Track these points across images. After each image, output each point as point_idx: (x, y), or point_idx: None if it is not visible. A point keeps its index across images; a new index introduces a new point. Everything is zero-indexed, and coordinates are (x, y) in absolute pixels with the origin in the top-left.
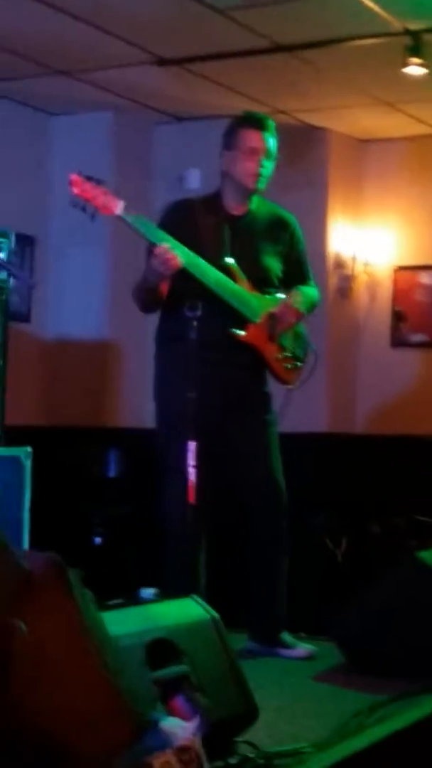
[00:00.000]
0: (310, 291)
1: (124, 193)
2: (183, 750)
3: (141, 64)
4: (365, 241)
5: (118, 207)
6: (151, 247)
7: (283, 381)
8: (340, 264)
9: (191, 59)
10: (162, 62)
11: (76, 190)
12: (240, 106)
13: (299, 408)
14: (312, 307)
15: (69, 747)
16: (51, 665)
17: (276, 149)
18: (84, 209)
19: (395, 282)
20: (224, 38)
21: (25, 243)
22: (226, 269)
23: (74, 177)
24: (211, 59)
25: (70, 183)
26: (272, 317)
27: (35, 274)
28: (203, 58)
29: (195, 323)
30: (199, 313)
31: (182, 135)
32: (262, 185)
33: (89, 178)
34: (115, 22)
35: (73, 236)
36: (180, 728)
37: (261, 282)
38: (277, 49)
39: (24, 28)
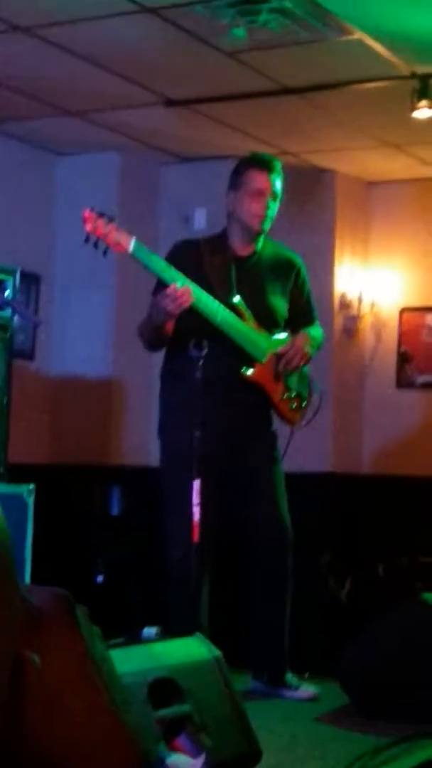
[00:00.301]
0: (317, 332)
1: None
2: None
3: (149, 105)
4: (371, 281)
5: (130, 244)
6: (158, 285)
7: (287, 421)
8: (346, 304)
9: (199, 100)
10: (169, 103)
11: (89, 227)
12: (247, 147)
13: (305, 448)
14: (318, 348)
15: None
16: (60, 698)
17: (282, 190)
18: (96, 246)
19: (401, 323)
20: (232, 80)
21: (31, 281)
22: (233, 308)
23: (87, 213)
24: (218, 100)
25: (84, 219)
26: (279, 357)
27: (40, 313)
28: (210, 100)
29: (200, 362)
30: (204, 352)
31: (188, 175)
32: (267, 226)
33: (101, 215)
34: (123, 63)
35: (78, 275)
36: (186, 765)
37: (267, 322)
38: (285, 91)
39: (32, 69)
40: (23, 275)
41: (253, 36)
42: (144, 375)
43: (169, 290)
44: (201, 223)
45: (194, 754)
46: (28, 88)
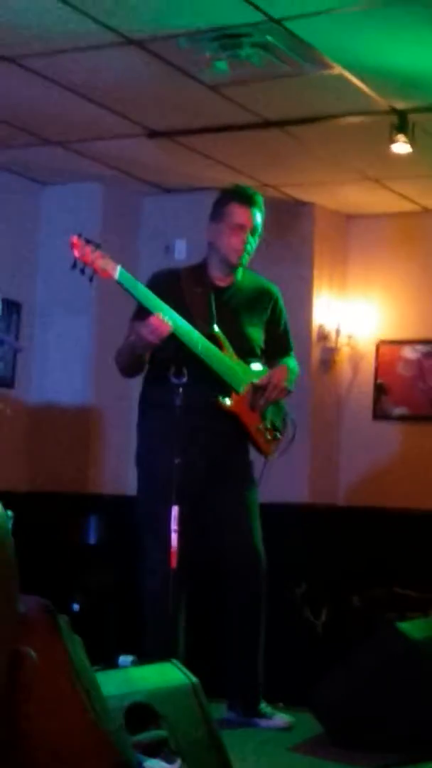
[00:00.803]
0: (293, 365)
1: None
2: None
3: (131, 136)
4: (349, 314)
5: (116, 271)
6: (137, 312)
7: (262, 452)
8: (323, 336)
9: (181, 132)
10: (152, 134)
11: (77, 253)
12: (227, 178)
13: (282, 478)
14: (295, 381)
15: None
16: (42, 703)
17: (262, 225)
18: (83, 272)
19: (378, 355)
20: (214, 112)
21: (12, 309)
22: (213, 338)
23: (75, 240)
24: (200, 133)
25: (72, 245)
26: (256, 389)
27: (20, 340)
28: (192, 132)
29: (180, 389)
30: (185, 379)
31: (170, 206)
32: (245, 261)
33: (89, 242)
34: (106, 94)
35: (59, 303)
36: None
37: (245, 352)
38: (266, 124)
39: (16, 98)
40: (4, 302)
41: (235, 69)
42: (123, 403)
43: (152, 319)
44: (182, 253)
45: None
46: (12, 118)
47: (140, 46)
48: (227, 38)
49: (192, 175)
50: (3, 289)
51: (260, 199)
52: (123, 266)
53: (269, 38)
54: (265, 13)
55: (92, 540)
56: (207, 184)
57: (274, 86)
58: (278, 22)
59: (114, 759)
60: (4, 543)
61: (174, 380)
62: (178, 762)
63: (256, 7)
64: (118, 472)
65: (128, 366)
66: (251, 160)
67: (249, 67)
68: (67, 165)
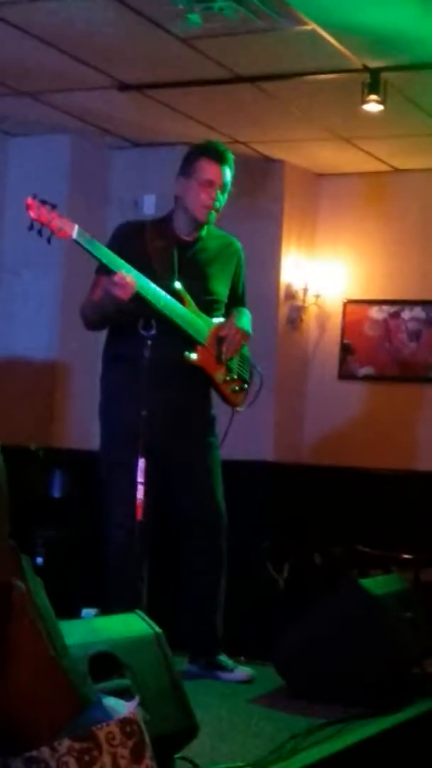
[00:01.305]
0: (247, 312)
1: (79, 217)
2: (126, 722)
3: (102, 89)
4: (317, 273)
5: (74, 231)
6: (101, 269)
7: (230, 403)
8: (291, 295)
9: (152, 86)
10: (123, 87)
11: (32, 214)
12: (198, 134)
13: (247, 436)
14: (251, 324)
15: (20, 722)
16: (4, 643)
17: (231, 183)
18: (40, 233)
19: (345, 315)
20: (185, 66)
21: None
22: (174, 293)
23: (30, 201)
24: (171, 86)
25: (27, 207)
26: (220, 340)
27: None
28: (164, 85)
29: (149, 342)
30: (153, 332)
31: (139, 161)
32: (213, 218)
33: (44, 202)
34: (78, 45)
35: (25, 257)
36: (122, 705)
37: (208, 306)
38: (237, 79)
39: None
40: None
41: (208, 22)
42: (90, 359)
43: (117, 277)
44: (150, 208)
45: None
46: None
47: None
48: None
49: (162, 129)
50: None
51: (230, 157)
52: (90, 220)
53: None
54: None
55: (57, 494)
56: (177, 139)
57: (247, 41)
58: None
59: (75, 695)
60: None
61: (143, 332)
62: (137, 699)
63: None
64: (84, 426)
65: (97, 321)
66: (222, 116)
67: (222, 21)
68: (35, 116)
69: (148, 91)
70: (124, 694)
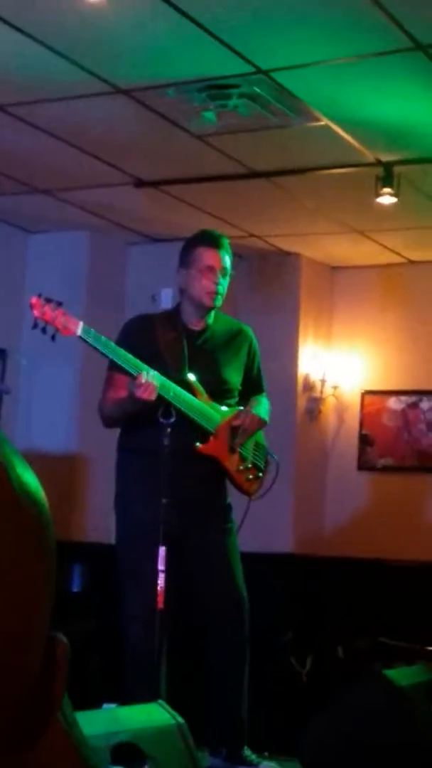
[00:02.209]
0: (266, 401)
1: (97, 312)
2: None
3: (119, 185)
4: (334, 364)
5: (78, 328)
6: (114, 365)
7: (244, 492)
8: (309, 386)
9: (168, 182)
10: (139, 184)
11: (36, 313)
12: (213, 228)
13: (266, 527)
14: (268, 412)
15: None
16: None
17: (230, 266)
18: (44, 330)
19: (363, 406)
20: (201, 162)
21: None
22: (185, 384)
23: (34, 300)
24: (186, 182)
25: (30, 306)
26: (233, 429)
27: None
28: (179, 181)
29: (168, 430)
30: (173, 419)
31: (156, 255)
32: (218, 302)
33: (49, 300)
34: (94, 143)
35: (44, 350)
36: None
37: (221, 395)
38: (252, 174)
39: (5, 147)
40: None
41: (223, 120)
42: (108, 450)
43: (141, 379)
44: (167, 302)
45: None
46: (1, 166)
47: (128, 95)
48: (215, 89)
49: (178, 224)
50: None
51: (226, 242)
52: (107, 315)
53: (257, 89)
54: (253, 65)
55: (76, 588)
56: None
57: (261, 137)
58: (266, 73)
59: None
60: (47, 523)
61: (163, 420)
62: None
63: (245, 59)
64: (102, 520)
65: (118, 420)
66: (237, 211)
67: (236, 118)
68: (53, 213)
69: (164, 187)
70: None
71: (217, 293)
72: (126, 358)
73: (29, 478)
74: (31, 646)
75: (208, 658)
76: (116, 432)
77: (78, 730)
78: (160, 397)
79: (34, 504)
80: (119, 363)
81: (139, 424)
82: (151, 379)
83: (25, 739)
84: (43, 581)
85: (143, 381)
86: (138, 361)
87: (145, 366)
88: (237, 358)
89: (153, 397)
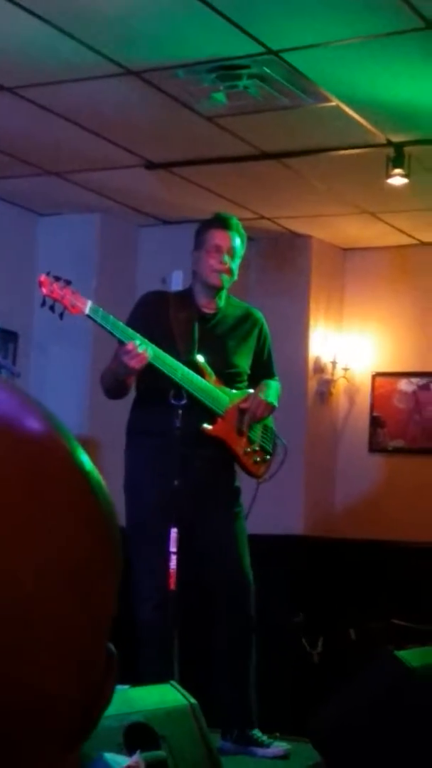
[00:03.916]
0: (276, 384)
1: (107, 294)
2: None
3: (130, 167)
4: (345, 346)
5: (86, 306)
6: (121, 343)
7: (252, 474)
8: (320, 368)
9: (179, 164)
10: (150, 166)
11: (44, 290)
12: (224, 210)
13: (277, 509)
14: (278, 397)
15: None
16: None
17: (242, 248)
18: (52, 309)
19: (374, 388)
20: (211, 144)
21: (8, 338)
22: (194, 365)
23: (43, 278)
24: (197, 164)
25: (39, 283)
26: (241, 411)
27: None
28: (190, 163)
29: (180, 411)
30: (184, 401)
31: (167, 237)
32: (226, 282)
33: (57, 278)
34: (105, 126)
35: (55, 333)
36: (124, 759)
37: (230, 378)
38: (263, 156)
39: (15, 128)
40: (1, 332)
41: (233, 101)
42: (119, 434)
43: (128, 347)
44: (178, 284)
45: None
46: (10, 148)
47: (138, 76)
48: (225, 70)
49: (189, 206)
50: (0, 319)
51: (237, 223)
52: (118, 297)
53: (267, 70)
54: (263, 45)
55: None
56: (204, 216)
57: (272, 118)
58: (276, 54)
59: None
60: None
61: (173, 402)
62: (138, 752)
63: (255, 39)
64: (115, 503)
65: (112, 389)
66: (248, 192)
67: (246, 99)
68: (64, 195)
69: (174, 169)
70: (160, 765)
71: (223, 271)
72: (129, 334)
73: (104, 487)
74: (102, 659)
75: (214, 641)
76: (126, 415)
77: None
78: (169, 378)
79: (113, 516)
80: (121, 339)
81: (149, 404)
82: (142, 350)
83: (78, 740)
84: (113, 598)
85: (130, 348)
86: (145, 339)
87: (147, 341)
88: (246, 342)
89: (137, 366)
